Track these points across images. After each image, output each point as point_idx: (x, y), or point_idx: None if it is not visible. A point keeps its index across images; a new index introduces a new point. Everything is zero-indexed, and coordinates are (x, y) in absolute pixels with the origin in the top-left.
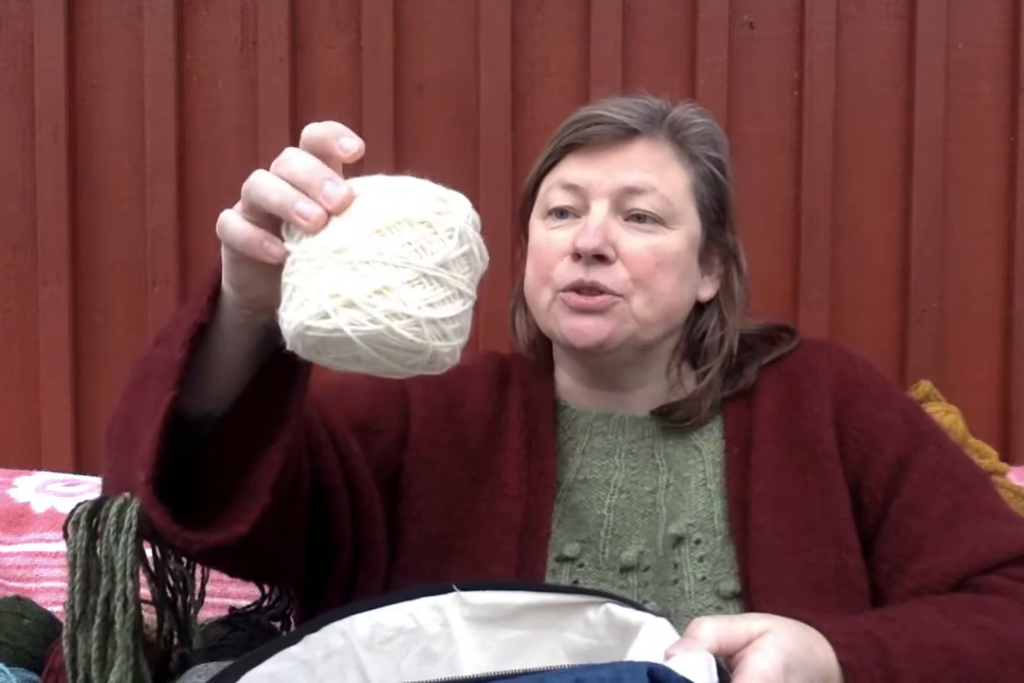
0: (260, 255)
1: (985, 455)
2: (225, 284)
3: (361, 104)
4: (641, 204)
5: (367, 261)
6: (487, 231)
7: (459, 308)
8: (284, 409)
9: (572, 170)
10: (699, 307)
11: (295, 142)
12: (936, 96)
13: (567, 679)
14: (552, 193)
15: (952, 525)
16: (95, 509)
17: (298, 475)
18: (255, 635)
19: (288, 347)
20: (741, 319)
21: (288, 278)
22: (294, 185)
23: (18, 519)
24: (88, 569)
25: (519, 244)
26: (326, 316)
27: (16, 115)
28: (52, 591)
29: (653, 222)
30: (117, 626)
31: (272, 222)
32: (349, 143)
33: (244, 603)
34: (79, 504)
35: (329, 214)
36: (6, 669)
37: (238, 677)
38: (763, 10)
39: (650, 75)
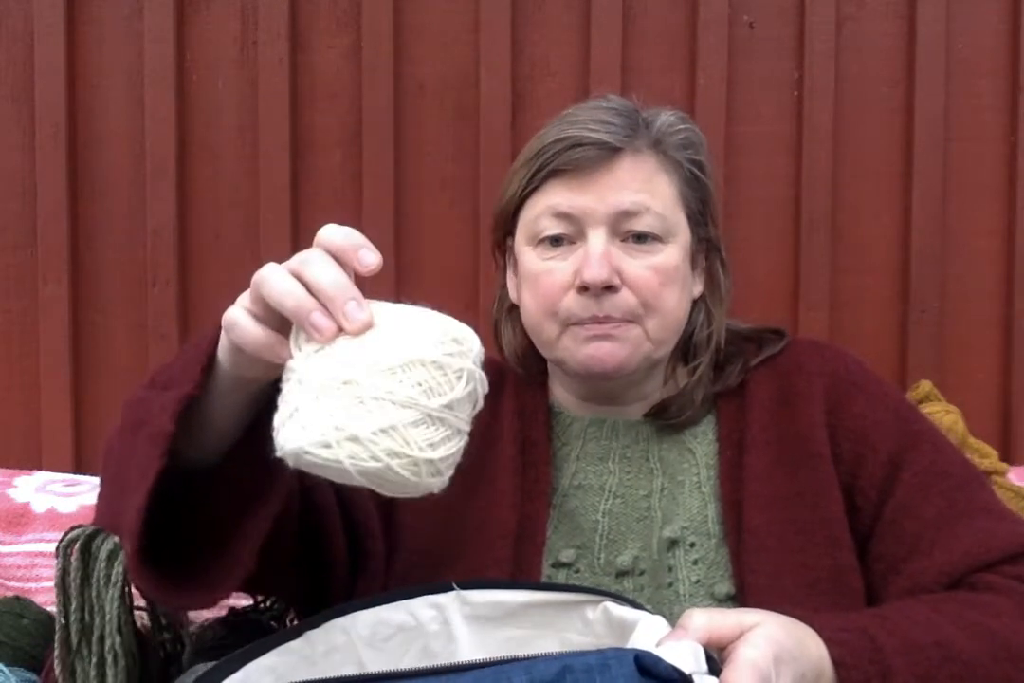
0: (271, 358)
1: (985, 455)
2: (220, 359)
3: (361, 104)
4: (638, 226)
5: (376, 398)
6: (486, 231)
7: (455, 446)
8: (272, 470)
9: (561, 197)
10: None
11: (294, 141)
12: (936, 96)
13: (556, 665)
14: (542, 221)
15: (947, 524)
16: (87, 542)
17: (288, 502)
18: (254, 635)
19: (278, 455)
20: (727, 312)
21: (291, 396)
22: (315, 293)
23: (18, 519)
24: (82, 611)
25: (495, 259)
26: (327, 446)
27: (16, 115)
28: (52, 591)
29: (652, 240)
30: (110, 679)
31: (277, 317)
32: (369, 258)
33: (244, 603)
34: (72, 528)
35: (340, 330)
36: (5, 669)
37: (239, 668)
38: (763, 10)
39: (650, 75)
